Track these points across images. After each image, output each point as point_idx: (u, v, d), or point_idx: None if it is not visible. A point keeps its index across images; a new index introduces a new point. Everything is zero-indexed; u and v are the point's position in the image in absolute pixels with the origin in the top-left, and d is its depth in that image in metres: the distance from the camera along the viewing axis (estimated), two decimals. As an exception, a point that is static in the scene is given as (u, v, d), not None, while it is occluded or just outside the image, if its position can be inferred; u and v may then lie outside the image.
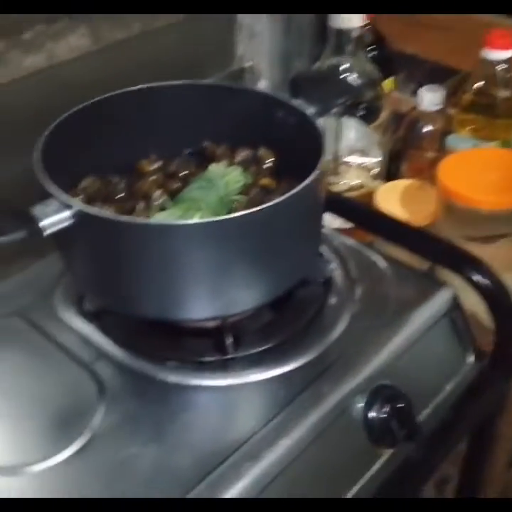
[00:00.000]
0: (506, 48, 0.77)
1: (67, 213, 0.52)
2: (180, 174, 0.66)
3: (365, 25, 0.77)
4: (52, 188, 0.52)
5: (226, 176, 0.61)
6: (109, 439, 0.52)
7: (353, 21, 0.73)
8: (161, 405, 0.55)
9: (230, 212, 0.60)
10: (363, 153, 0.84)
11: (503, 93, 0.80)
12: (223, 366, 0.57)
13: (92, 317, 0.60)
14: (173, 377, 0.56)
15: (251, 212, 0.51)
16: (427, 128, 0.88)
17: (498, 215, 0.70)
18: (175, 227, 0.51)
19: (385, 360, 0.59)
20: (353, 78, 0.76)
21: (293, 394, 0.55)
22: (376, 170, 0.85)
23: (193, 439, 0.52)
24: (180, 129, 0.69)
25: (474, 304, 0.66)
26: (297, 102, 0.63)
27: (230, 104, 0.67)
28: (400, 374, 0.60)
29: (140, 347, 0.58)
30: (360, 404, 0.56)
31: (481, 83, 0.80)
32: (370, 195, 0.86)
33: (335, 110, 0.68)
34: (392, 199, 0.80)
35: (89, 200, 0.62)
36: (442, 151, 0.88)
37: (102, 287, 0.57)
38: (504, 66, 0.79)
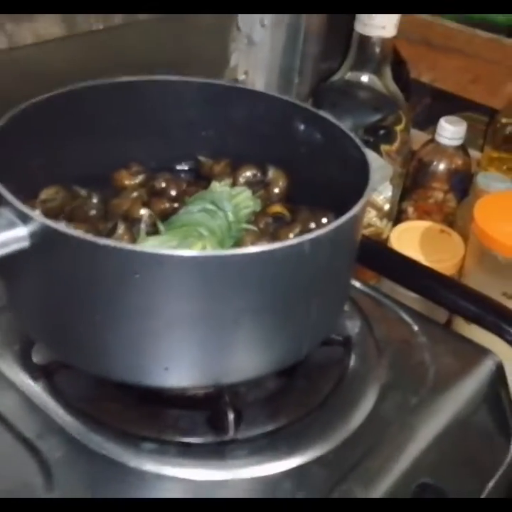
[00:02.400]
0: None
1: (23, 230, 0.37)
2: (168, 193, 0.52)
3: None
4: (4, 192, 0.37)
5: (233, 198, 0.47)
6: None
7: (386, 30, 0.61)
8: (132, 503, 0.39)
9: (236, 244, 0.46)
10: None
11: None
12: (219, 452, 0.42)
13: (40, 372, 0.44)
14: (150, 466, 0.41)
15: (282, 247, 0.37)
16: (442, 165, 0.77)
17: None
18: (166, 258, 0.36)
19: (424, 451, 0.46)
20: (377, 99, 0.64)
21: (315, 496, 0.40)
22: (386, 207, 0.73)
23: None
24: (170, 137, 0.55)
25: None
26: (328, 114, 0.51)
27: (236, 110, 0.54)
28: (442, 468, 0.47)
29: (104, 419, 0.42)
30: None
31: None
32: (378, 236, 0.73)
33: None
34: (408, 244, 0.68)
35: (50, 217, 0.47)
36: (452, 191, 0.77)
37: (59, 335, 0.41)
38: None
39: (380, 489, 0.42)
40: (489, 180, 0.68)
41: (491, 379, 0.52)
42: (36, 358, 0.45)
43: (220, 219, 0.45)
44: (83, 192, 0.50)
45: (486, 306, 0.54)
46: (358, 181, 0.45)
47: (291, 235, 0.48)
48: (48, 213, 0.48)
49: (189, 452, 0.42)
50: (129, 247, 0.36)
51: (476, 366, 0.52)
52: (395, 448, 0.45)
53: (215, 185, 0.49)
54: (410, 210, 0.80)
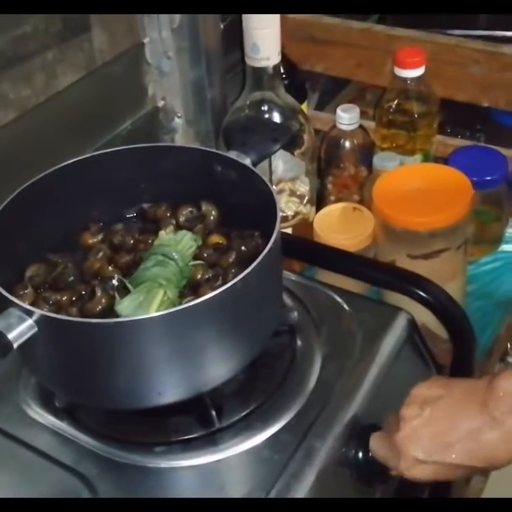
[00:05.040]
0: (416, 66, 0.80)
1: (30, 321, 0.50)
2: (126, 244, 0.64)
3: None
4: (10, 297, 0.50)
5: (178, 244, 0.60)
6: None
7: (271, 60, 0.73)
8: (159, 493, 0.53)
9: (189, 280, 0.59)
10: (293, 182, 0.85)
11: (418, 108, 0.82)
12: (211, 440, 0.56)
13: (65, 414, 0.58)
14: (165, 463, 0.55)
15: (219, 293, 0.50)
16: (347, 143, 0.89)
17: (437, 233, 0.73)
18: (143, 321, 0.50)
19: (363, 401, 0.61)
20: (277, 114, 0.76)
21: (287, 456, 0.55)
22: (307, 197, 0.86)
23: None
24: (118, 196, 0.67)
25: (420, 314, 0.68)
26: (234, 154, 0.63)
27: (166, 163, 0.66)
28: (380, 409, 0.61)
29: (121, 437, 0.56)
30: (351, 451, 0.57)
31: (396, 101, 0.83)
32: (305, 222, 0.87)
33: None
34: (329, 226, 0.81)
35: (38, 289, 0.60)
36: (361, 165, 0.90)
37: (72, 384, 0.55)
38: (416, 82, 0.81)
39: (331, 439, 0.56)
40: (383, 161, 0.81)
41: (407, 329, 0.67)
42: (58, 403, 0.58)
43: (171, 266, 0.57)
44: (59, 260, 0.62)
45: (393, 274, 0.68)
46: (270, 205, 0.57)
47: (230, 260, 0.61)
48: (36, 287, 0.60)
49: (189, 446, 0.56)
50: (110, 321, 0.49)
51: (392, 323, 0.67)
52: (340, 403, 0.60)
53: (162, 235, 0.62)
54: (330, 186, 0.93)
